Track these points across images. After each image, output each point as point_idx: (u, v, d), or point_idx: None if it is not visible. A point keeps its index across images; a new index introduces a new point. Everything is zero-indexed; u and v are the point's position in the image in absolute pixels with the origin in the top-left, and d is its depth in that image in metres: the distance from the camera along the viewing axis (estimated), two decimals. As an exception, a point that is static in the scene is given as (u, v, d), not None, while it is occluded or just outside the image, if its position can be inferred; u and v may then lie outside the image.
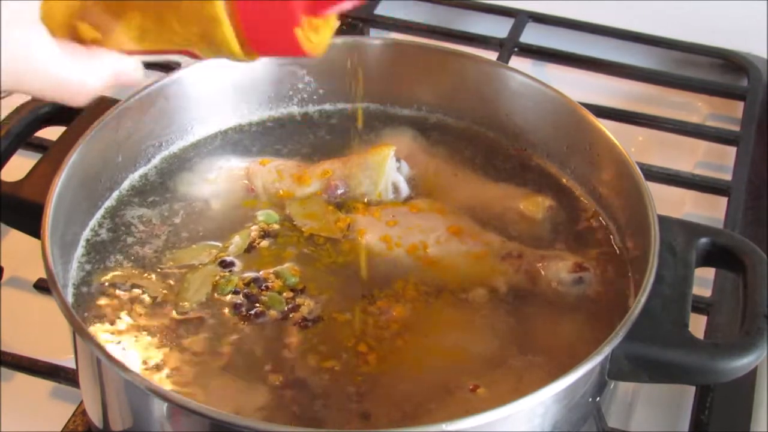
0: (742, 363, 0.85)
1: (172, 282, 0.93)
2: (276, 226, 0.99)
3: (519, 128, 1.08)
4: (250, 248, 0.97)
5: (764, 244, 0.96)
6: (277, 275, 0.94)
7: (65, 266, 0.93)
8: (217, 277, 0.93)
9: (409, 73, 1.11)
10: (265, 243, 0.98)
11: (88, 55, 0.77)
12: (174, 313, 0.91)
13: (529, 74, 1.07)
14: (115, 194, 1.01)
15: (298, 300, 0.92)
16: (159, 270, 0.94)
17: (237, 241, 0.97)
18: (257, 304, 0.92)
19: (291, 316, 0.91)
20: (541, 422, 0.81)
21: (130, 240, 0.98)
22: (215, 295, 0.92)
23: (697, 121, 1.39)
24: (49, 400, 1.02)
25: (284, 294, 0.92)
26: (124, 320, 0.90)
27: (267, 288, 0.93)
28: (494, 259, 0.96)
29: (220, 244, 0.97)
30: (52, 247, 0.86)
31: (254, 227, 0.99)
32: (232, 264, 0.95)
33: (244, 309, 0.91)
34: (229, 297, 0.92)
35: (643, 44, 1.46)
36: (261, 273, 0.94)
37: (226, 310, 0.91)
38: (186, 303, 0.91)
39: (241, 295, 0.92)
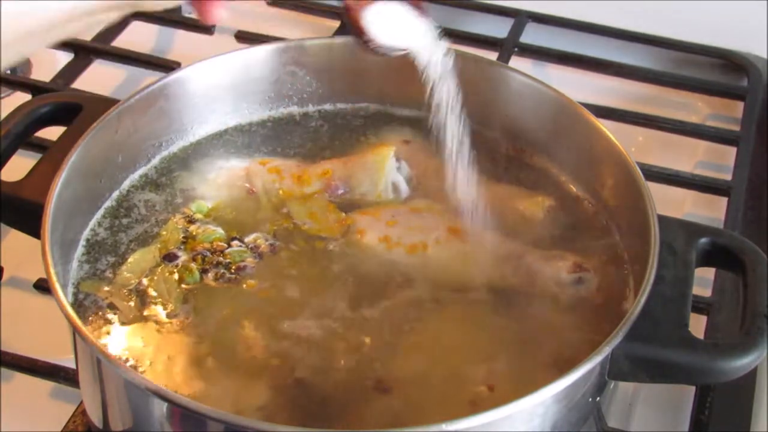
0: (742, 363, 0.85)
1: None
2: (200, 216, 1.00)
3: (519, 128, 1.08)
4: (186, 237, 0.97)
5: (764, 244, 0.96)
6: (212, 240, 0.97)
7: (65, 266, 0.93)
8: (175, 274, 0.94)
9: (409, 73, 1.10)
10: (193, 227, 0.98)
11: None
12: (166, 315, 0.91)
13: (529, 74, 1.07)
14: (115, 194, 1.01)
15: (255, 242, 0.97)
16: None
17: (168, 235, 0.97)
18: (227, 270, 0.94)
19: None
20: (541, 422, 0.81)
21: (130, 239, 0.98)
22: (182, 286, 0.93)
23: (697, 121, 1.39)
24: (49, 400, 1.02)
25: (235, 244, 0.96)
26: (124, 320, 0.90)
27: (220, 252, 0.95)
28: (494, 259, 0.96)
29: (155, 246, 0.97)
30: (52, 247, 0.86)
31: (178, 217, 0.99)
32: (175, 256, 0.95)
33: (226, 274, 0.93)
34: (203, 279, 0.94)
35: (643, 44, 1.46)
36: (202, 248, 0.96)
37: (211, 296, 0.92)
38: (170, 304, 0.91)
39: (210, 273, 0.94)
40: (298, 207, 1.01)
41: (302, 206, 1.01)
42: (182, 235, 0.97)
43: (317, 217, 1.00)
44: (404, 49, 0.93)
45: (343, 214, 1.00)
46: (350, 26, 0.90)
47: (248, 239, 0.97)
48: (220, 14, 0.86)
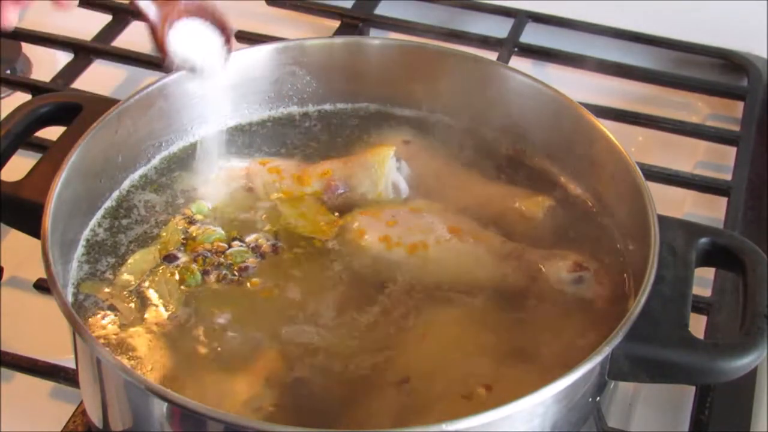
0: (742, 363, 0.85)
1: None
2: (200, 217, 0.99)
3: (519, 128, 1.08)
4: (186, 238, 0.97)
5: (764, 244, 0.96)
6: (213, 241, 0.96)
7: (65, 266, 0.93)
8: (176, 275, 0.94)
9: (409, 73, 1.11)
10: (194, 228, 0.98)
11: None
12: (167, 317, 0.91)
13: (529, 74, 1.07)
14: (115, 194, 1.01)
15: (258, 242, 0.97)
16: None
17: (168, 236, 0.97)
18: (228, 270, 0.94)
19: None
20: (541, 422, 0.81)
21: (129, 240, 0.97)
22: (182, 287, 0.93)
23: (697, 121, 1.39)
24: (49, 400, 1.02)
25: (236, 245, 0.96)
26: (124, 322, 0.90)
27: (221, 253, 0.95)
28: (494, 259, 0.96)
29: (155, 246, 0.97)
30: (52, 247, 0.86)
31: (178, 218, 0.99)
32: (176, 257, 0.95)
33: (228, 275, 0.93)
34: (205, 280, 0.93)
35: (643, 44, 1.46)
36: (202, 249, 0.96)
37: (212, 297, 0.92)
38: (171, 306, 0.91)
39: (212, 274, 0.93)
40: (290, 208, 1.01)
41: (293, 207, 1.01)
42: (182, 236, 0.97)
43: (308, 218, 1.00)
44: (196, 68, 0.97)
45: (334, 215, 1.00)
46: (152, 41, 0.94)
47: (249, 239, 0.97)
48: (10, 18, 0.83)
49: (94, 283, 0.93)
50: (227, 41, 0.96)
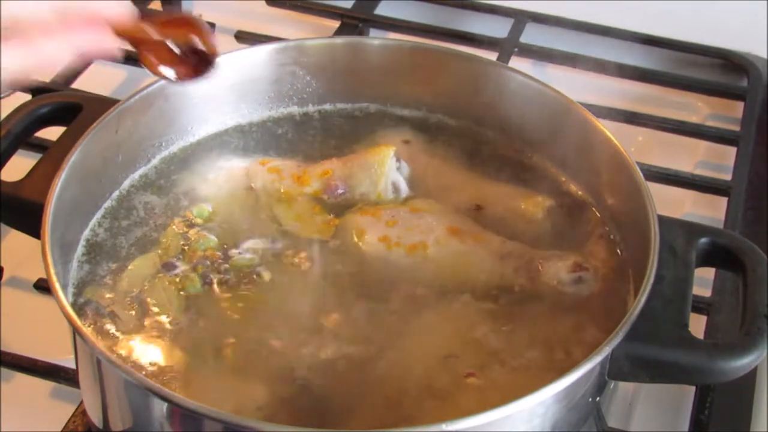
0: (742, 363, 0.85)
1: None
2: (200, 221, 0.99)
3: (519, 128, 1.08)
4: (186, 244, 0.97)
5: (764, 244, 0.96)
6: (206, 249, 0.96)
7: (65, 266, 0.93)
8: (175, 284, 0.93)
9: (409, 73, 1.11)
10: (192, 232, 0.98)
11: None
12: (168, 323, 0.91)
13: (529, 74, 1.07)
14: (115, 194, 1.01)
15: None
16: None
17: (168, 242, 0.97)
18: (229, 275, 0.94)
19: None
20: (541, 422, 0.81)
21: (130, 242, 0.97)
22: (182, 293, 0.92)
23: (697, 121, 1.39)
24: (49, 400, 1.02)
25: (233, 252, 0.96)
26: (124, 327, 0.90)
27: (221, 259, 0.95)
28: (494, 259, 0.96)
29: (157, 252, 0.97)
30: (52, 247, 0.86)
31: (177, 221, 0.99)
32: (174, 266, 0.95)
33: (231, 280, 0.93)
34: (207, 286, 0.93)
35: (643, 44, 1.46)
36: (198, 257, 0.95)
37: (213, 304, 0.92)
38: (171, 313, 0.91)
39: (215, 282, 0.93)
40: (285, 211, 1.01)
41: (289, 210, 1.01)
42: (182, 242, 0.97)
43: (304, 219, 1.00)
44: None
45: (330, 215, 1.00)
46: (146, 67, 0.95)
47: (248, 243, 0.97)
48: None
49: (94, 287, 0.93)
50: (210, 52, 0.95)
